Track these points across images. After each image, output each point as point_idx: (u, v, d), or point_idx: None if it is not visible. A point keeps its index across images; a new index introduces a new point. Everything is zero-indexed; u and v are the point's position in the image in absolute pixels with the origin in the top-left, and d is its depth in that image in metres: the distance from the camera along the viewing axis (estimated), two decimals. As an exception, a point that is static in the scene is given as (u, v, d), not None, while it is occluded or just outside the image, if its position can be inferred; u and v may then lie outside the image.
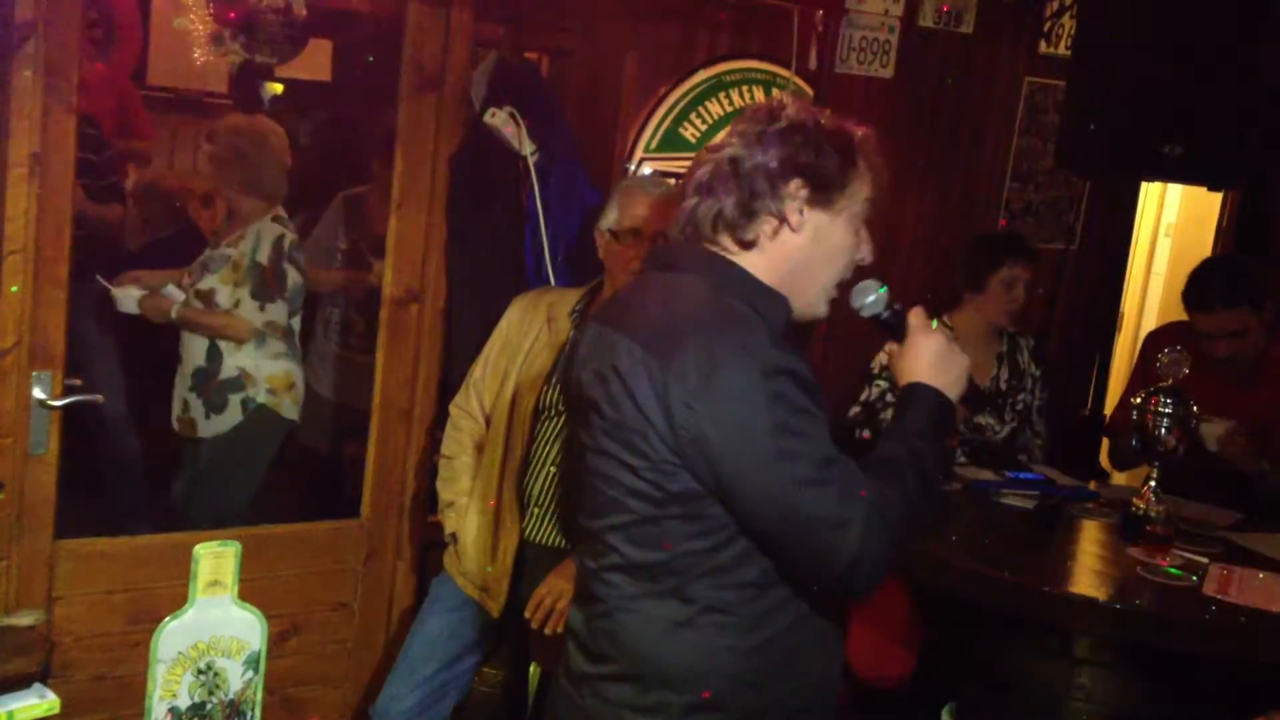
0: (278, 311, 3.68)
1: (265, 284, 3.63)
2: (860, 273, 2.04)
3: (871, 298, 2.05)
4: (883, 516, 1.77)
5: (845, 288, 2.02)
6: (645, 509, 1.82)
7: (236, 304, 3.63)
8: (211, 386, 3.66)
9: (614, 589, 1.88)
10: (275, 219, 3.69)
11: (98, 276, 3.67)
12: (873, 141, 1.92)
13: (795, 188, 1.86)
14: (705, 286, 1.85)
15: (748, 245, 1.88)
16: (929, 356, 1.99)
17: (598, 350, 1.88)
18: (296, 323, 3.78)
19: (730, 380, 1.73)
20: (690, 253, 1.91)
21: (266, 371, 3.70)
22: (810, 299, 1.95)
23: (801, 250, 1.90)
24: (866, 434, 3.61)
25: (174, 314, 3.64)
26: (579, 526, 1.96)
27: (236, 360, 3.66)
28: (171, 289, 3.67)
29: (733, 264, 1.88)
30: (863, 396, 3.71)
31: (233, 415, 3.68)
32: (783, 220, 1.87)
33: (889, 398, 3.68)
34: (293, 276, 3.68)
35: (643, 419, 1.78)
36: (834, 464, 1.77)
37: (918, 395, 1.96)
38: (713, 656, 1.83)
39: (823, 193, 1.87)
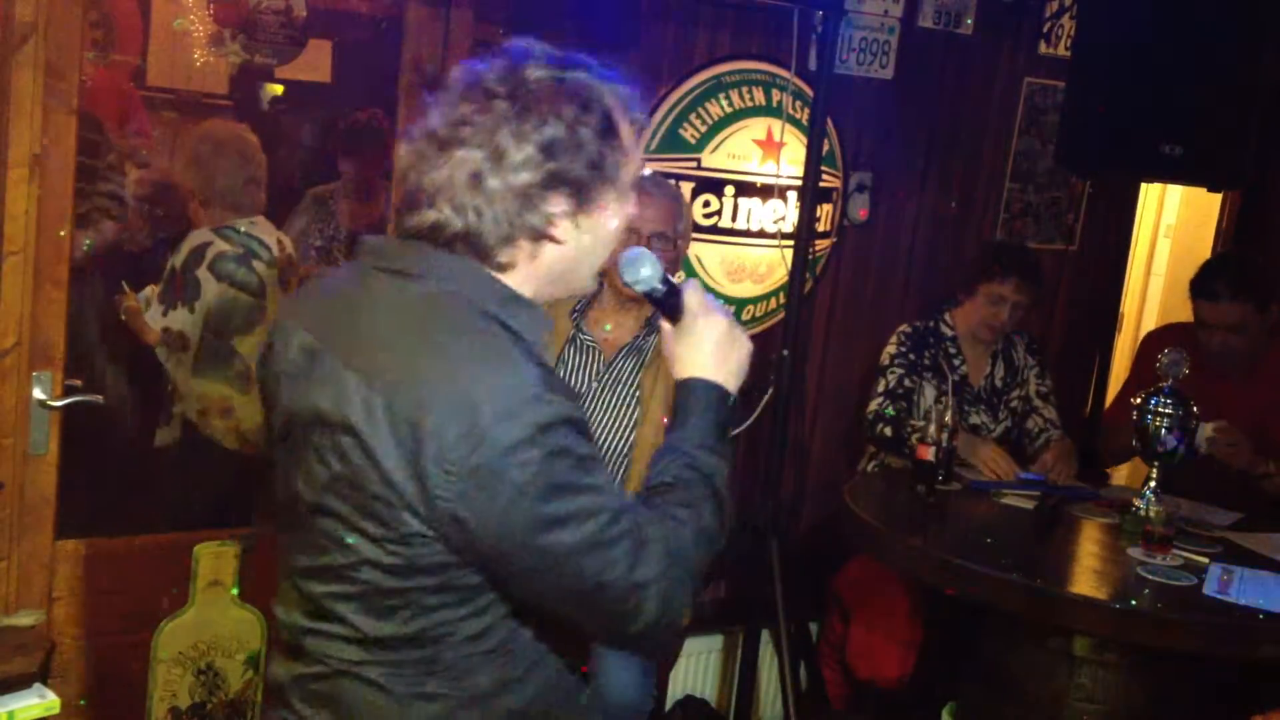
0: (181, 320, 3.50)
1: (171, 288, 3.51)
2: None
3: (646, 270, 1.72)
4: (683, 562, 1.54)
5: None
6: (383, 580, 1.50)
7: (147, 305, 3.57)
8: (163, 396, 3.63)
9: (333, 653, 1.57)
10: (222, 228, 3.52)
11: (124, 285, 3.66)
12: (623, 90, 1.60)
13: (557, 204, 1.54)
14: (452, 308, 1.51)
15: (502, 268, 1.56)
16: (709, 344, 1.71)
17: (315, 378, 1.54)
18: (243, 345, 3.55)
19: (500, 437, 1.41)
20: (429, 260, 1.54)
21: (196, 390, 3.56)
22: (578, 289, 1.70)
23: (569, 256, 1.59)
24: (889, 431, 3.62)
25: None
26: (288, 568, 1.63)
27: (171, 369, 3.60)
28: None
29: (486, 278, 1.55)
30: (880, 387, 3.71)
31: (175, 428, 3.63)
32: (541, 239, 1.56)
33: (908, 382, 3.69)
34: (209, 287, 3.48)
35: (385, 486, 1.45)
36: (623, 515, 1.49)
37: (699, 395, 1.70)
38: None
39: (589, 193, 1.56)
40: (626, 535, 1.49)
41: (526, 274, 1.58)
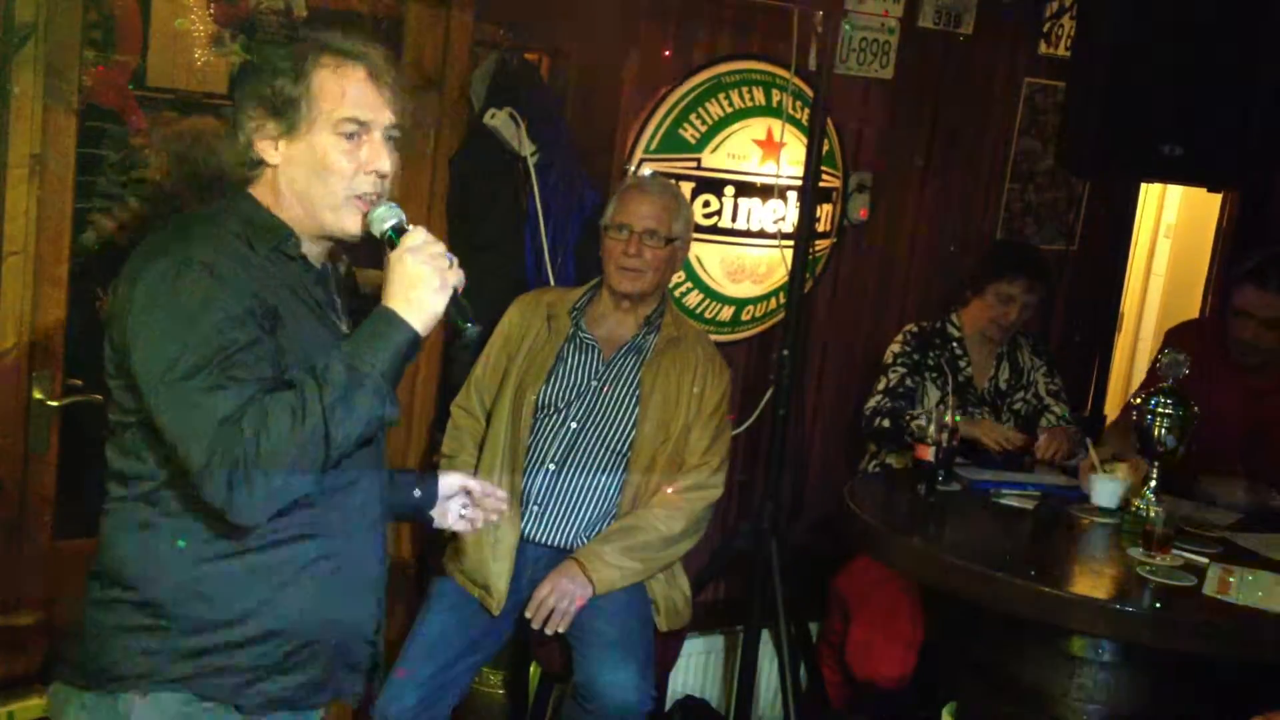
0: None
1: None
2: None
3: (381, 211, 1.94)
4: (256, 439, 1.75)
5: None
6: (114, 418, 1.91)
7: None
8: None
9: (108, 496, 1.94)
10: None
11: None
12: (326, 39, 1.94)
13: (258, 121, 1.91)
14: (203, 219, 1.93)
15: (246, 182, 1.95)
16: (405, 277, 1.87)
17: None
18: None
19: (151, 265, 1.82)
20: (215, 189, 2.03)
21: None
22: (326, 220, 1.94)
23: (290, 177, 1.93)
24: (886, 423, 3.63)
25: None
26: None
27: None
28: None
29: (241, 195, 1.95)
30: (880, 385, 3.71)
31: None
32: (259, 155, 1.92)
33: (909, 382, 3.69)
34: None
35: (111, 332, 1.87)
36: (216, 387, 1.77)
37: (389, 323, 1.86)
38: (168, 560, 1.87)
39: (284, 119, 1.89)
40: (226, 387, 1.77)
41: (266, 188, 1.94)
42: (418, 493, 2.29)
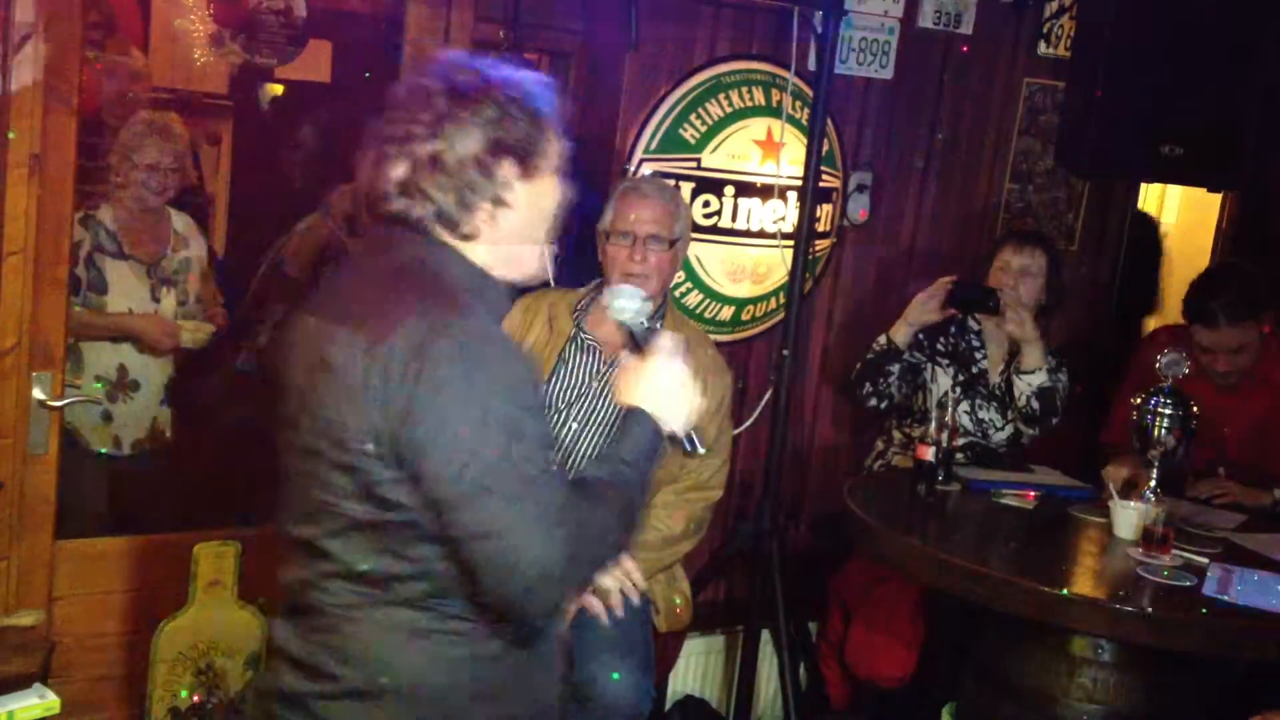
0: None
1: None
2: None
3: (635, 306, 1.96)
4: (577, 538, 1.67)
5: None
6: (361, 512, 1.69)
7: None
8: None
9: (335, 598, 1.73)
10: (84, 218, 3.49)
11: None
12: (548, 87, 1.86)
13: (506, 169, 1.79)
14: (418, 271, 1.75)
15: (468, 238, 1.80)
16: (666, 384, 1.91)
17: (308, 342, 1.75)
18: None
19: (444, 358, 1.63)
20: (408, 243, 1.78)
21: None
22: (532, 266, 1.90)
23: (518, 223, 1.83)
24: (882, 405, 3.71)
25: None
26: (285, 535, 1.81)
27: None
28: None
29: (455, 254, 1.80)
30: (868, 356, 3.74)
31: None
32: (499, 204, 1.80)
33: (907, 357, 3.69)
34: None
35: (356, 412, 1.65)
36: (545, 473, 1.66)
37: (644, 424, 1.88)
38: (450, 667, 1.74)
39: (529, 162, 1.80)
40: (541, 488, 1.65)
41: (490, 240, 1.80)
42: None
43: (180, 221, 3.73)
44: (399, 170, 1.76)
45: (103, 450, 3.58)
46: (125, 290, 3.55)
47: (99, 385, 3.53)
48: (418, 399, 1.62)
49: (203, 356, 3.78)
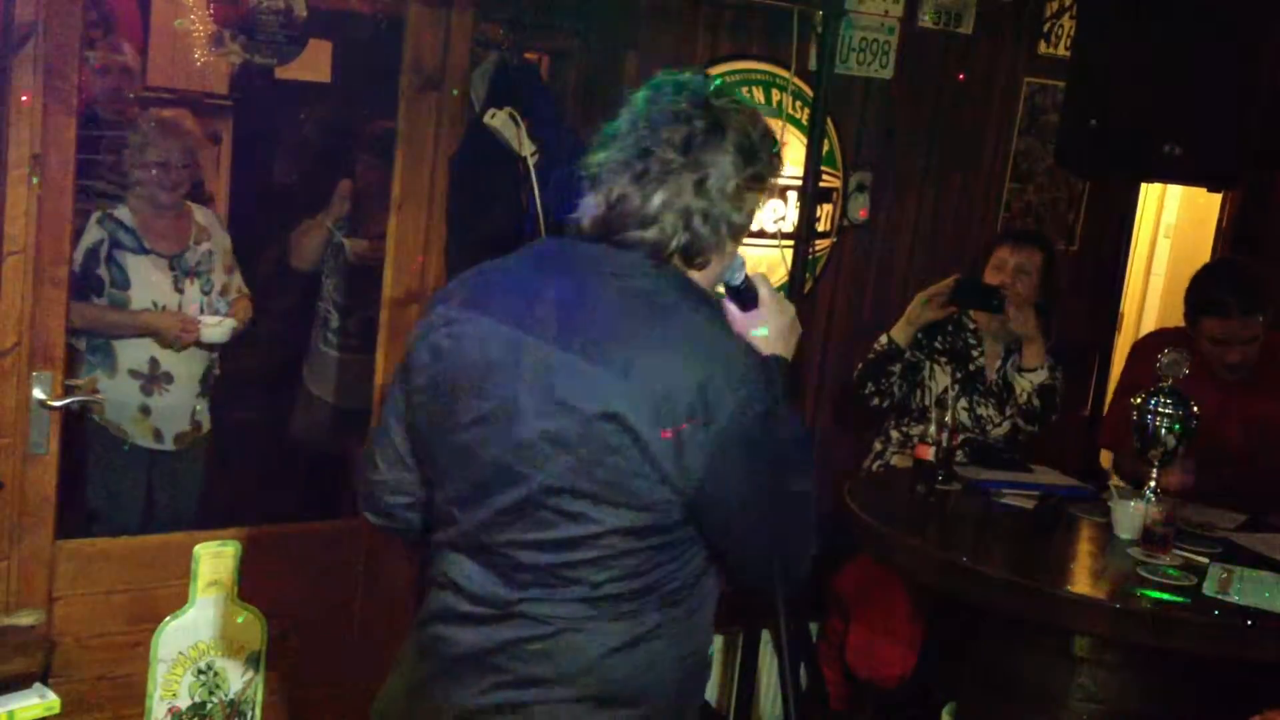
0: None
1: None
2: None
3: (741, 273, 1.96)
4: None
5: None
6: (624, 544, 1.72)
7: None
8: None
9: (560, 614, 1.76)
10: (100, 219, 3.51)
11: None
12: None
13: (755, 200, 1.83)
14: (673, 305, 1.73)
15: (699, 268, 1.81)
16: (780, 326, 1.95)
17: (541, 372, 1.71)
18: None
19: (744, 416, 1.70)
20: (650, 269, 1.76)
21: None
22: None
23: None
24: (885, 404, 3.72)
25: None
26: (479, 543, 1.80)
27: None
28: None
29: (686, 279, 1.79)
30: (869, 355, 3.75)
31: None
32: (739, 234, 1.84)
33: (907, 356, 3.69)
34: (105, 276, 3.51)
35: (646, 463, 1.67)
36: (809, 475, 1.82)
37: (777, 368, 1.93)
38: (661, 668, 1.80)
39: (761, 188, 1.84)
40: (810, 494, 1.81)
41: (714, 269, 1.83)
42: None
43: (202, 215, 3.74)
44: (653, 199, 1.74)
45: (141, 444, 3.59)
46: (148, 284, 3.55)
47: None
48: (720, 458, 1.70)
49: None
